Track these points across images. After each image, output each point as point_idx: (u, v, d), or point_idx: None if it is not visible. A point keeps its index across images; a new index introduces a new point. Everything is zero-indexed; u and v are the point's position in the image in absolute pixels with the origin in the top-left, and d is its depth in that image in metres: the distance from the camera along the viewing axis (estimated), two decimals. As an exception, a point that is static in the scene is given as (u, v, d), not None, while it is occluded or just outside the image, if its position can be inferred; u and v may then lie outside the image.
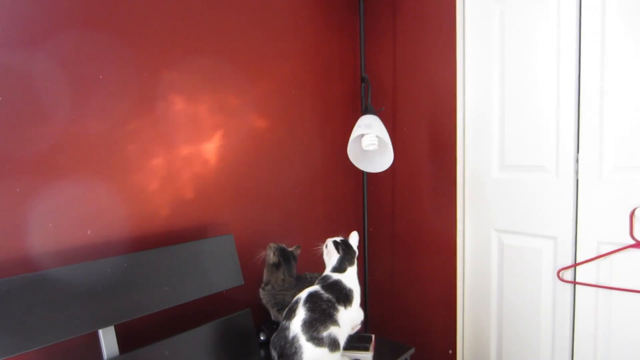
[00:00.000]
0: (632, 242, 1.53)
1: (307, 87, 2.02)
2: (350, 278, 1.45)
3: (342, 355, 1.42)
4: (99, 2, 1.34)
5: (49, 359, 1.25)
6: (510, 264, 1.85)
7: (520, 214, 1.80)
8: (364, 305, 2.23)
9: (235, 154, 1.74)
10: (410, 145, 2.12)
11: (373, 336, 1.69)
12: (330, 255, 1.48)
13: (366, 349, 1.59)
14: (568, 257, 1.68)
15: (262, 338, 1.67)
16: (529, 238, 1.79)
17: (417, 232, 2.13)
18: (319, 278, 1.45)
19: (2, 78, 1.17)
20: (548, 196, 1.72)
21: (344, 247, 1.48)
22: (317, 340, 1.28)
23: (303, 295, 1.36)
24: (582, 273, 1.65)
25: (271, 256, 1.65)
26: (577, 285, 1.68)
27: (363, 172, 2.23)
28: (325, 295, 1.36)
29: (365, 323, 2.22)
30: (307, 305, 1.32)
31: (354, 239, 1.53)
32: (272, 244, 1.70)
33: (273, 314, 1.71)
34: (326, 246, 1.51)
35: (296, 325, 1.29)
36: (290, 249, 1.71)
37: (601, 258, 1.60)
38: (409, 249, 2.16)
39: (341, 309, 1.36)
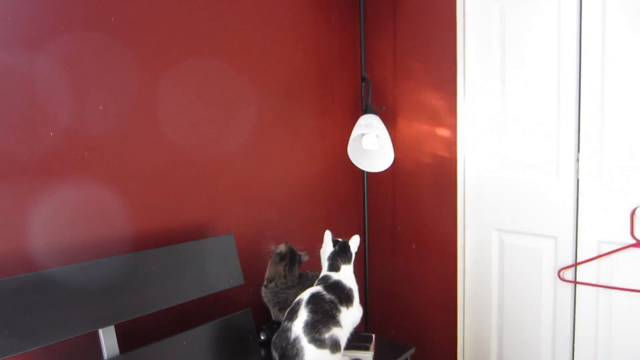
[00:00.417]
0: (633, 241, 1.53)
1: (307, 86, 2.02)
2: (348, 277, 1.45)
3: (343, 355, 1.41)
4: (99, 2, 1.34)
5: (49, 359, 1.25)
6: (511, 264, 1.85)
7: (521, 213, 1.80)
8: (364, 305, 2.23)
9: (235, 153, 1.73)
10: (410, 145, 2.12)
11: (373, 336, 1.69)
12: (325, 247, 1.48)
13: (366, 349, 1.59)
14: (568, 256, 1.68)
15: (262, 338, 1.66)
16: (529, 237, 1.79)
17: (418, 231, 2.12)
18: (319, 278, 1.45)
19: (3, 78, 1.16)
20: (548, 195, 1.72)
21: (341, 245, 1.48)
22: (319, 342, 1.27)
23: (305, 296, 1.35)
24: (583, 273, 1.65)
25: (281, 246, 1.67)
26: (577, 285, 1.68)
27: (363, 171, 2.23)
28: (328, 296, 1.36)
29: (365, 323, 2.22)
30: (310, 306, 1.31)
31: (354, 241, 1.52)
32: (287, 242, 1.74)
33: (274, 313, 1.71)
34: (324, 238, 1.51)
35: (298, 327, 1.28)
36: (299, 253, 1.72)
37: (602, 257, 1.60)
38: (410, 248, 2.16)
39: (343, 309, 1.36)
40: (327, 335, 1.29)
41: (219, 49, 1.66)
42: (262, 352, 1.59)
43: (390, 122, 2.16)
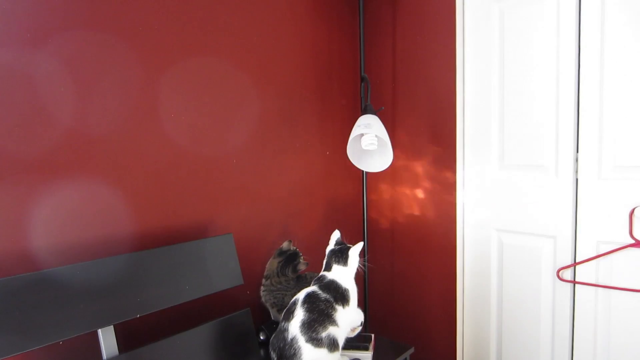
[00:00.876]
0: (632, 241, 1.53)
1: (307, 86, 2.03)
2: (345, 278, 1.43)
3: (342, 355, 1.42)
4: (100, 2, 1.34)
5: (49, 359, 1.25)
6: (510, 264, 1.85)
7: (520, 213, 1.80)
8: (364, 304, 2.23)
9: (235, 153, 1.74)
10: (410, 145, 2.12)
11: (373, 335, 1.69)
12: (329, 246, 1.49)
13: (366, 349, 1.60)
14: (568, 256, 1.68)
15: (261, 338, 1.67)
16: (528, 237, 1.79)
17: (417, 231, 2.13)
18: (315, 278, 1.45)
19: (5, 78, 1.17)
20: (548, 195, 1.72)
21: (338, 246, 1.47)
22: (316, 341, 1.28)
23: (300, 296, 1.36)
24: (582, 272, 1.65)
25: (285, 244, 1.70)
26: (576, 285, 1.68)
27: (363, 171, 2.24)
28: (323, 295, 1.36)
29: (365, 322, 2.22)
30: (305, 306, 1.32)
31: (355, 248, 1.47)
32: (291, 241, 1.77)
33: (273, 313, 1.71)
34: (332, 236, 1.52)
35: (295, 327, 1.29)
36: (300, 259, 1.71)
37: (601, 257, 1.60)
38: (409, 248, 2.17)
39: (339, 308, 1.36)
40: (324, 334, 1.29)
41: (220, 49, 1.66)
42: (262, 352, 1.59)
43: (389, 122, 2.17)
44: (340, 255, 1.45)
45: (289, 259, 1.69)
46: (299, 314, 1.30)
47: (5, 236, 1.18)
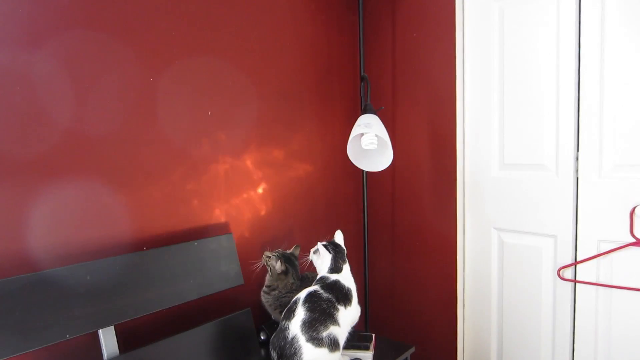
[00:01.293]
0: (632, 240, 1.52)
1: (307, 86, 2.02)
2: (347, 277, 1.45)
3: (342, 355, 1.42)
4: (99, 3, 1.34)
5: (49, 359, 1.25)
6: (511, 263, 1.85)
7: (520, 212, 1.80)
8: (364, 304, 2.23)
9: (234, 153, 1.74)
10: (410, 144, 2.12)
11: (373, 335, 1.69)
12: (323, 258, 1.46)
13: (366, 348, 1.59)
14: (568, 255, 1.68)
15: (262, 337, 1.67)
16: (529, 237, 1.79)
17: (417, 231, 2.13)
18: (317, 279, 1.45)
19: (4, 78, 1.17)
20: (548, 195, 1.72)
21: (333, 247, 1.48)
22: (316, 341, 1.27)
23: (302, 295, 1.36)
24: (582, 271, 1.65)
25: (278, 266, 1.63)
26: (577, 284, 1.67)
27: (363, 171, 2.23)
28: (325, 294, 1.36)
29: (365, 322, 2.22)
30: (307, 305, 1.32)
31: (339, 237, 1.52)
32: (269, 253, 1.66)
33: (274, 315, 1.71)
34: (316, 251, 1.49)
35: (296, 326, 1.29)
36: (289, 251, 1.71)
37: (601, 256, 1.60)
38: (409, 248, 2.16)
39: (341, 308, 1.36)
40: (324, 334, 1.29)
41: (218, 48, 1.66)
42: (262, 351, 1.59)
43: (389, 121, 2.16)
44: (342, 254, 1.46)
45: (291, 264, 1.68)
46: (300, 313, 1.30)
47: (6, 237, 1.18)
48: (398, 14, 2.12)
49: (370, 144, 1.82)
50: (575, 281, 1.67)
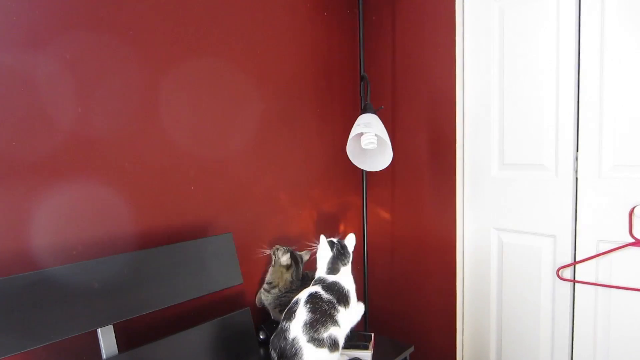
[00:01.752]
0: (632, 240, 1.53)
1: (307, 85, 2.02)
2: (346, 279, 1.44)
3: (342, 354, 1.41)
4: (101, 3, 1.34)
5: (48, 358, 1.25)
6: (510, 263, 1.85)
7: (520, 212, 1.80)
8: (364, 304, 2.23)
9: (235, 153, 1.73)
10: (409, 144, 2.12)
11: (373, 335, 1.69)
12: (321, 253, 1.46)
13: (366, 348, 1.59)
14: (567, 255, 1.68)
15: (261, 337, 1.67)
16: (528, 236, 1.79)
17: (417, 230, 2.13)
18: (316, 279, 1.44)
19: (6, 79, 1.16)
20: (547, 194, 1.72)
21: (338, 248, 1.46)
22: (317, 341, 1.27)
23: (303, 296, 1.35)
24: (582, 271, 1.65)
25: (284, 258, 1.65)
26: (576, 284, 1.68)
27: (362, 170, 2.23)
28: (326, 296, 1.36)
29: (364, 322, 2.22)
30: (308, 306, 1.31)
31: (349, 240, 1.51)
32: (280, 246, 1.70)
33: (274, 314, 1.71)
34: (320, 243, 1.49)
35: (296, 326, 1.28)
36: (299, 253, 1.72)
37: (600, 256, 1.60)
38: (409, 247, 2.16)
39: (342, 309, 1.36)
40: (325, 335, 1.29)
41: (219, 49, 1.66)
42: (261, 351, 1.59)
43: (389, 121, 2.16)
44: (344, 256, 1.45)
45: (296, 262, 1.69)
46: (301, 314, 1.30)
47: (6, 236, 1.18)
48: (398, 14, 2.11)
49: (370, 144, 1.82)
50: (574, 281, 1.67)
